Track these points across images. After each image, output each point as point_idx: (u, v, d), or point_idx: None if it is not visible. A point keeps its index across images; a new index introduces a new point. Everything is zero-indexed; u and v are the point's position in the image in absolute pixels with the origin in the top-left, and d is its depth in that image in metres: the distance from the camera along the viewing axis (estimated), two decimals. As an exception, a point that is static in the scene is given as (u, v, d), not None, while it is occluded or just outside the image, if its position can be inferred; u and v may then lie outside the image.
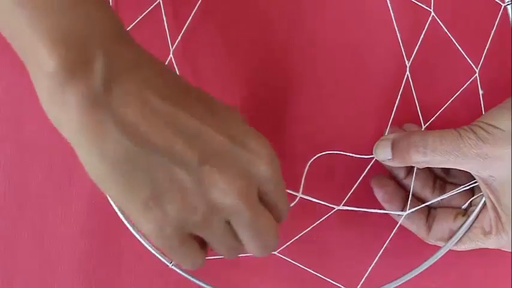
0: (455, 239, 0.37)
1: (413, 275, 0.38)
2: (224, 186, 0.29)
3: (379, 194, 0.38)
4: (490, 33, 0.37)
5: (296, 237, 0.38)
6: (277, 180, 0.31)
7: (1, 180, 0.41)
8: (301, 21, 0.40)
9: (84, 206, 0.41)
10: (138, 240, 0.39)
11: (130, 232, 0.40)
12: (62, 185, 0.41)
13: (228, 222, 0.31)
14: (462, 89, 0.38)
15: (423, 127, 0.38)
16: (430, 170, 0.38)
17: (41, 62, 0.27)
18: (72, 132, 0.28)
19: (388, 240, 0.38)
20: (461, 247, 0.37)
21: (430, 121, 0.38)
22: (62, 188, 0.41)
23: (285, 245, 0.38)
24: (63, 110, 0.27)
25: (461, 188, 0.37)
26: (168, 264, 0.38)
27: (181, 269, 0.38)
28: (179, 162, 0.28)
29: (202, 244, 0.32)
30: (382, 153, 0.36)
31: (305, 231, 0.38)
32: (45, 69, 0.27)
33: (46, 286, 0.41)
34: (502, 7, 0.37)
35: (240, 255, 0.33)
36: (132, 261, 0.40)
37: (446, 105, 0.38)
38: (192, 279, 0.38)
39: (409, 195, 0.37)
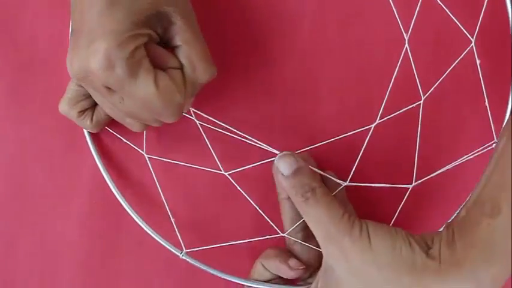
0: None
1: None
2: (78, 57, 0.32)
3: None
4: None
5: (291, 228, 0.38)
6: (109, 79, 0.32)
7: (2, 180, 0.41)
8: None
9: (84, 207, 0.41)
10: (139, 241, 0.40)
11: (132, 233, 0.40)
12: (62, 185, 0.41)
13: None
14: (458, 60, 0.38)
15: (422, 98, 0.38)
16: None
17: None
18: None
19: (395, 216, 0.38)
20: None
21: (428, 92, 0.38)
22: (62, 188, 0.41)
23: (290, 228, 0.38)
24: None
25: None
26: (179, 254, 0.38)
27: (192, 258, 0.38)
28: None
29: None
30: (284, 166, 0.35)
31: (297, 225, 0.37)
32: None
33: (47, 286, 0.40)
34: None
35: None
36: (133, 262, 0.40)
37: (443, 76, 0.38)
38: (201, 266, 0.38)
39: None
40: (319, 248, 0.35)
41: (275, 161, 0.36)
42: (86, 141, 0.40)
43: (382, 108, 0.38)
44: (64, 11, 0.39)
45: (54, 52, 0.41)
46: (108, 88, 0.32)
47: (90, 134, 0.40)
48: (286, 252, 0.38)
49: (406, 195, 0.38)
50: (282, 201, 0.38)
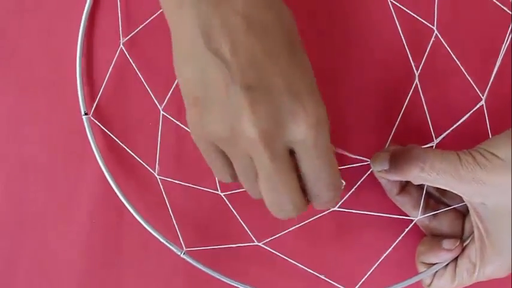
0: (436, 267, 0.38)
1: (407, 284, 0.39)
2: (252, 119, 0.29)
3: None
4: (499, 49, 0.40)
5: (285, 232, 0.39)
6: (315, 151, 0.30)
7: (2, 199, 0.42)
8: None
9: (84, 226, 0.42)
10: (138, 259, 0.41)
11: (131, 252, 0.41)
12: (62, 204, 0.42)
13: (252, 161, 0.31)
14: (467, 115, 0.39)
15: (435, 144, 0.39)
16: (423, 190, 0.39)
17: None
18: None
19: (390, 249, 0.40)
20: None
21: (440, 138, 0.39)
22: (62, 207, 0.42)
23: (273, 237, 0.40)
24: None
25: (452, 207, 0.39)
26: (179, 253, 0.40)
27: (192, 259, 0.40)
28: (232, 79, 0.29)
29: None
30: (379, 164, 0.37)
31: (296, 226, 0.39)
32: None
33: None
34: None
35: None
36: (135, 264, 0.42)
37: (453, 128, 0.40)
38: (202, 267, 0.40)
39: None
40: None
41: (373, 168, 0.38)
42: (88, 143, 0.41)
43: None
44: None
45: (54, 68, 0.43)
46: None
47: (94, 138, 0.41)
48: (433, 239, 0.39)
49: (407, 228, 0.39)
50: (395, 198, 0.39)
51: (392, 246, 0.39)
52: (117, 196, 0.41)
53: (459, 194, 0.36)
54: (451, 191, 0.36)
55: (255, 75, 0.29)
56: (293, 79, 0.30)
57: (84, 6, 0.43)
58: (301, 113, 0.29)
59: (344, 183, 0.35)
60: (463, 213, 0.39)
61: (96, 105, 0.42)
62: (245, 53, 0.29)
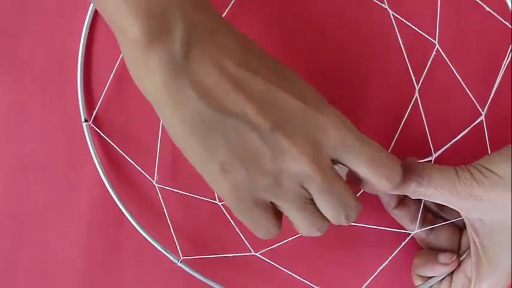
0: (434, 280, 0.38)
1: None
2: (294, 153, 0.30)
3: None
4: (499, 64, 0.40)
5: (282, 242, 0.39)
6: (353, 145, 0.31)
7: (1, 199, 0.42)
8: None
9: (84, 226, 0.42)
10: (139, 259, 0.41)
11: (131, 251, 0.41)
12: (62, 204, 0.42)
13: (306, 190, 0.31)
14: (467, 130, 0.39)
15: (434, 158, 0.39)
16: (420, 204, 0.39)
17: (127, 30, 0.30)
18: (154, 94, 0.31)
19: (386, 261, 0.40)
20: None
21: (439, 152, 0.39)
22: (61, 207, 0.42)
23: (270, 247, 0.40)
24: (146, 72, 0.30)
25: (449, 222, 0.39)
26: (176, 262, 0.40)
27: (189, 268, 0.40)
28: (253, 128, 0.30)
29: (278, 213, 0.33)
30: None
31: (293, 237, 0.39)
32: (130, 36, 0.30)
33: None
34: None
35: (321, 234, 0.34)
36: (133, 272, 0.42)
37: (452, 143, 0.39)
38: (198, 276, 0.40)
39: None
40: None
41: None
42: (88, 150, 0.41)
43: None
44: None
45: (55, 68, 0.43)
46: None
47: (94, 145, 0.41)
48: (429, 252, 0.39)
49: (403, 243, 0.40)
50: (392, 212, 0.39)
51: (388, 259, 0.40)
52: (116, 203, 0.41)
53: (456, 209, 0.36)
54: (449, 206, 0.36)
55: (272, 111, 0.30)
56: (302, 94, 0.31)
57: (87, 10, 0.43)
58: (325, 121, 0.31)
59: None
60: (460, 228, 0.39)
61: (97, 112, 0.42)
62: (254, 96, 0.30)
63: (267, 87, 0.30)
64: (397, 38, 0.41)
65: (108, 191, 0.41)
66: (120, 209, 0.41)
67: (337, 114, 0.32)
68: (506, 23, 0.40)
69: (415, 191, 0.36)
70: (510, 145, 0.36)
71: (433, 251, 0.39)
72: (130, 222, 0.41)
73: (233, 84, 0.30)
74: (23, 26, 0.43)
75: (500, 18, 0.41)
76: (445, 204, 0.36)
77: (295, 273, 0.40)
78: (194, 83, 0.30)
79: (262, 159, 0.30)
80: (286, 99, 0.30)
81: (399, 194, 0.38)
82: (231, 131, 0.30)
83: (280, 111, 0.30)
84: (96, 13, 0.43)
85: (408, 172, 0.36)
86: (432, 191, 0.35)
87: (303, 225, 0.33)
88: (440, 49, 0.40)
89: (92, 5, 0.43)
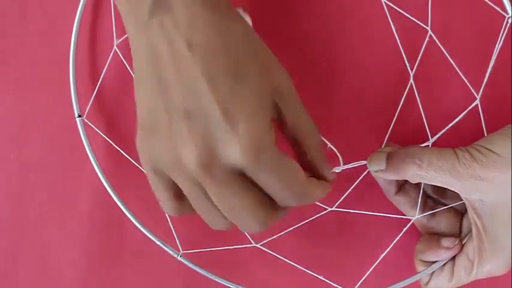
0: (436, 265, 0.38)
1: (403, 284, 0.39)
2: (190, 147, 0.29)
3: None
4: (492, 48, 0.40)
5: (282, 233, 0.39)
6: (262, 173, 0.30)
7: (3, 200, 0.42)
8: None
9: (85, 227, 0.42)
10: (139, 254, 0.41)
11: (132, 252, 0.41)
12: (63, 205, 0.42)
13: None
14: (462, 114, 0.39)
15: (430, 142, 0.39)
16: (420, 190, 0.39)
17: None
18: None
19: (388, 248, 0.40)
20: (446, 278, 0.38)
21: (435, 137, 0.39)
22: (63, 208, 0.42)
23: (269, 239, 0.40)
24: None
25: (450, 205, 0.39)
26: (176, 256, 0.40)
27: (189, 262, 0.40)
28: (172, 107, 0.30)
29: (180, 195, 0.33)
30: (376, 164, 0.37)
31: (293, 227, 0.39)
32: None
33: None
34: (506, 19, 0.40)
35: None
36: (133, 269, 0.42)
37: (448, 127, 0.39)
38: (199, 270, 0.40)
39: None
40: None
41: (370, 169, 0.38)
42: (85, 151, 0.41)
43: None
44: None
45: (56, 71, 0.43)
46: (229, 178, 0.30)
47: (90, 141, 0.41)
48: (431, 238, 0.39)
49: (404, 230, 0.40)
50: (392, 198, 0.39)
51: (390, 246, 0.39)
52: (113, 199, 0.41)
53: (457, 192, 0.36)
54: (449, 188, 0.36)
55: (194, 103, 0.29)
56: (232, 107, 0.29)
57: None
58: (233, 139, 0.29)
59: (338, 170, 0.36)
60: (460, 213, 0.39)
61: (92, 107, 0.42)
62: (187, 80, 0.30)
63: (206, 84, 0.29)
64: (390, 26, 0.41)
65: (105, 189, 0.41)
66: (118, 205, 0.40)
67: (254, 137, 0.30)
68: (498, 9, 0.41)
69: (415, 174, 0.36)
70: (508, 125, 0.36)
71: (434, 236, 0.39)
72: (129, 218, 0.40)
73: (177, 63, 0.30)
74: (20, 22, 0.43)
75: (491, 4, 0.41)
76: (445, 186, 0.36)
77: (297, 263, 0.40)
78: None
79: (169, 138, 0.30)
80: (213, 100, 0.29)
81: (399, 179, 0.38)
82: (156, 95, 0.30)
83: (200, 107, 0.30)
84: (87, 8, 0.43)
85: (407, 156, 0.36)
86: (432, 173, 0.35)
87: (198, 211, 0.33)
88: (433, 35, 0.41)
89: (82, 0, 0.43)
